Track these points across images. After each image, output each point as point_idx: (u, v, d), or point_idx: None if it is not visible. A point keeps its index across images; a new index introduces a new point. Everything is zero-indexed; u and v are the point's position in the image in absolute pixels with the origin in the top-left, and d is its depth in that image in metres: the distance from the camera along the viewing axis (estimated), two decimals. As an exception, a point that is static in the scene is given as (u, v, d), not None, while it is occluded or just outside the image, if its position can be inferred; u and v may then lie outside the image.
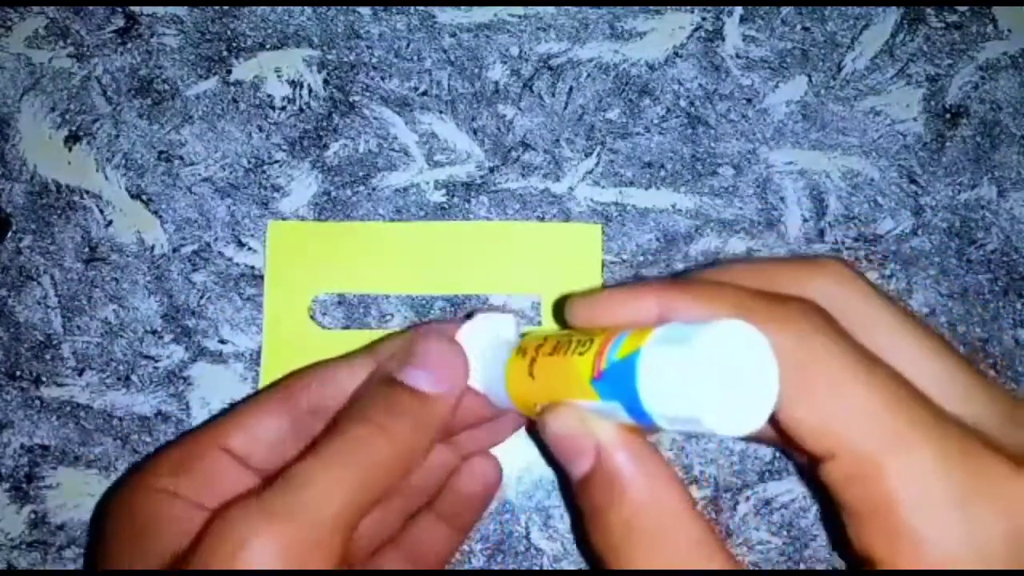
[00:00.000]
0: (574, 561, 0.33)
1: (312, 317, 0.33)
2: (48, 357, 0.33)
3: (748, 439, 0.31)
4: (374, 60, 0.34)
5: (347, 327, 0.33)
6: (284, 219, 0.33)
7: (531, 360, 0.24)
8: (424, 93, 0.34)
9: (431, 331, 0.27)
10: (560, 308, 0.26)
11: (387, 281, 0.33)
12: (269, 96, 0.34)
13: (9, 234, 0.33)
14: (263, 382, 0.33)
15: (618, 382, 0.21)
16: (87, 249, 0.33)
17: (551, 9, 0.34)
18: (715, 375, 0.19)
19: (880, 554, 0.21)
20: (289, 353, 0.33)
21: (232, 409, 0.28)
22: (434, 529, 0.30)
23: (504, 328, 0.27)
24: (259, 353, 0.33)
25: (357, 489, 0.23)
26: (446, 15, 0.34)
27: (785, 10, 0.34)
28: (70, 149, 0.34)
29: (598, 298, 0.25)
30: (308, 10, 0.34)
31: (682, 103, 0.34)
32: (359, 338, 0.33)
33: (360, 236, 0.33)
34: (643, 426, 0.21)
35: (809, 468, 0.23)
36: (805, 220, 0.34)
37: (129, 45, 0.34)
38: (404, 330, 0.32)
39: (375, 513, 0.25)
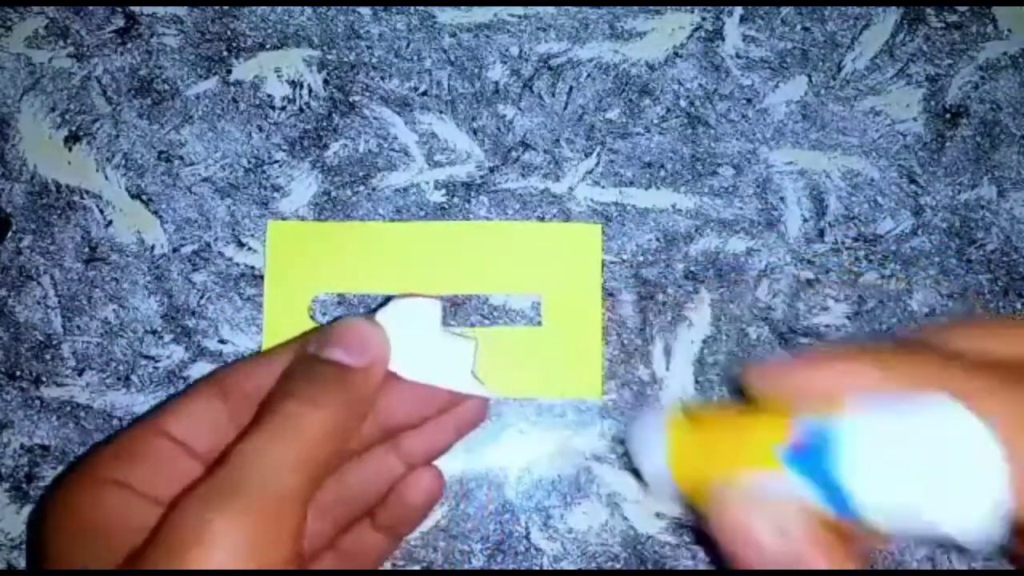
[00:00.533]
0: (574, 561, 0.33)
1: (312, 317, 0.33)
2: (48, 357, 0.33)
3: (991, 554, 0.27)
4: (374, 60, 0.34)
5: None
6: (284, 219, 0.33)
7: (703, 424, 0.21)
8: (424, 93, 0.34)
9: (349, 316, 0.28)
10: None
11: (387, 281, 0.33)
12: (269, 96, 0.34)
13: (9, 234, 0.33)
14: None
15: (812, 455, 0.17)
16: (87, 249, 0.33)
17: (551, 9, 0.34)
18: (936, 457, 0.16)
19: None
20: None
21: (168, 399, 0.28)
22: (370, 536, 0.30)
23: (430, 313, 0.28)
24: (259, 353, 0.33)
25: (303, 461, 0.24)
26: (446, 15, 0.34)
27: (785, 10, 0.34)
28: (70, 149, 0.34)
29: (798, 361, 0.21)
30: (308, 10, 0.34)
31: (682, 103, 0.34)
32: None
33: (360, 236, 0.33)
34: (838, 515, 0.18)
35: None
36: (805, 220, 0.34)
37: (129, 45, 0.34)
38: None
39: (315, 520, 0.26)
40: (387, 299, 0.28)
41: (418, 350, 0.27)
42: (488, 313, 0.33)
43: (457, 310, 0.33)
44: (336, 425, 0.25)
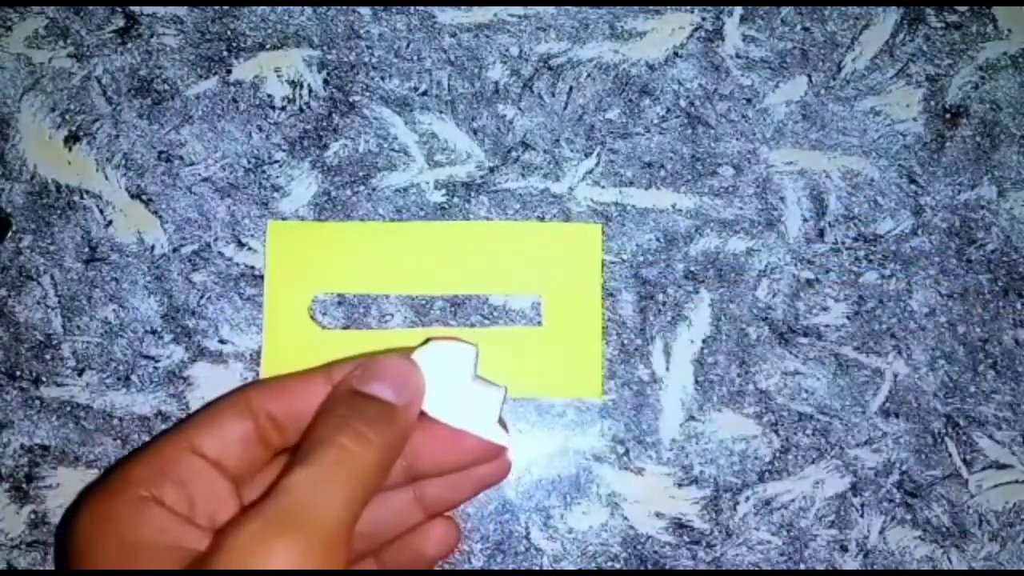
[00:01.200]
0: (574, 561, 0.33)
1: (312, 317, 0.33)
2: (48, 357, 0.33)
3: None
4: (374, 60, 0.34)
5: (347, 327, 0.33)
6: (284, 219, 0.33)
7: None
8: (424, 93, 0.34)
9: (387, 353, 0.29)
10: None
11: (387, 281, 0.33)
12: (269, 96, 0.34)
13: (9, 234, 0.33)
14: (263, 382, 0.33)
15: None
16: (87, 249, 0.33)
17: (551, 9, 0.34)
18: None
19: None
20: (289, 353, 0.33)
21: (196, 414, 0.28)
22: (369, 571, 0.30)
23: (465, 357, 0.28)
24: (259, 353, 0.33)
25: (355, 495, 0.24)
26: (446, 15, 0.34)
27: (785, 10, 0.34)
28: (70, 149, 0.34)
29: None
30: (308, 10, 0.34)
31: (682, 103, 0.34)
32: (359, 338, 0.33)
33: (360, 236, 0.33)
34: None
35: None
36: (805, 220, 0.34)
37: (129, 45, 0.34)
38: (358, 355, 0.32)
39: None
40: (426, 340, 0.29)
41: (450, 393, 0.28)
42: (488, 313, 0.33)
43: (457, 310, 0.33)
44: (383, 461, 0.26)
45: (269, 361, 0.33)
